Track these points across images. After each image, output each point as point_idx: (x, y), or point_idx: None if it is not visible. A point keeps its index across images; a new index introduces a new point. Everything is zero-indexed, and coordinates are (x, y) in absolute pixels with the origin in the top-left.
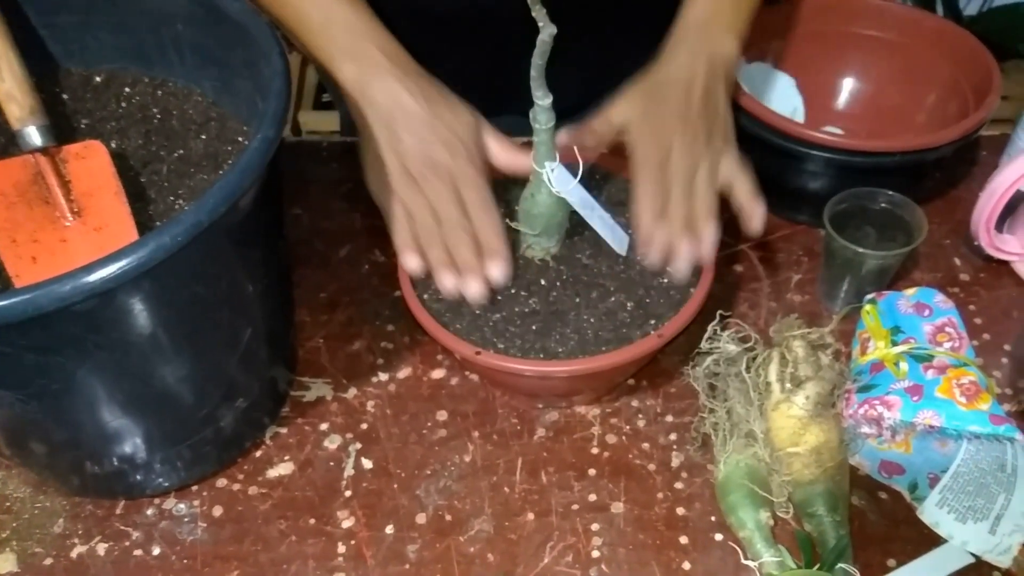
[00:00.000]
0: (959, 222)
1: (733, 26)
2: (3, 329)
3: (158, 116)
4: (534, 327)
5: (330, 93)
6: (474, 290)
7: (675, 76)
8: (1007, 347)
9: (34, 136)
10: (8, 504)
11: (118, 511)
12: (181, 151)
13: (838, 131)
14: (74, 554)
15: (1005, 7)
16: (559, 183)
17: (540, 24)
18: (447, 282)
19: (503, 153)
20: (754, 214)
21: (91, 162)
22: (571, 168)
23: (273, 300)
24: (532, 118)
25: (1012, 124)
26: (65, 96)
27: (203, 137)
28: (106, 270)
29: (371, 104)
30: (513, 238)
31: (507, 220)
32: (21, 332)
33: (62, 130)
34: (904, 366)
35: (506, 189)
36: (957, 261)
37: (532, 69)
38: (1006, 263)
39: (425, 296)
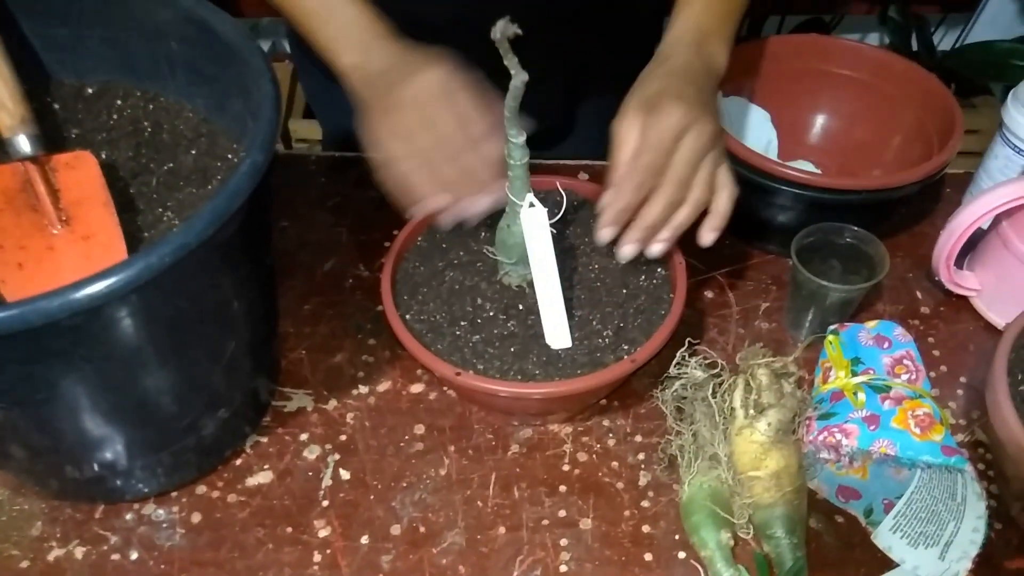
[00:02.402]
0: (922, 257)
1: (724, 38)
2: None
3: (149, 129)
4: (512, 349)
5: (314, 108)
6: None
7: (683, 69)
8: (963, 379)
9: (24, 145)
10: None
11: (97, 515)
12: (171, 164)
13: (810, 165)
14: (51, 557)
15: (978, 44)
16: (529, 224)
17: (512, 72)
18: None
19: None
20: (708, 235)
21: (80, 172)
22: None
23: (258, 313)
24: (507, 154)
25: (980, 157)
26: (56, 106)
27: (193, 152)
28: (94, 287)
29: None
30: (492, 263)
31: (486, 247)
32: (7, 344)
33: (52, 140)
34: (862, 396)
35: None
36: (919, 295)
37: (505, 110)
38: (965, 298)
39: (407, 316)
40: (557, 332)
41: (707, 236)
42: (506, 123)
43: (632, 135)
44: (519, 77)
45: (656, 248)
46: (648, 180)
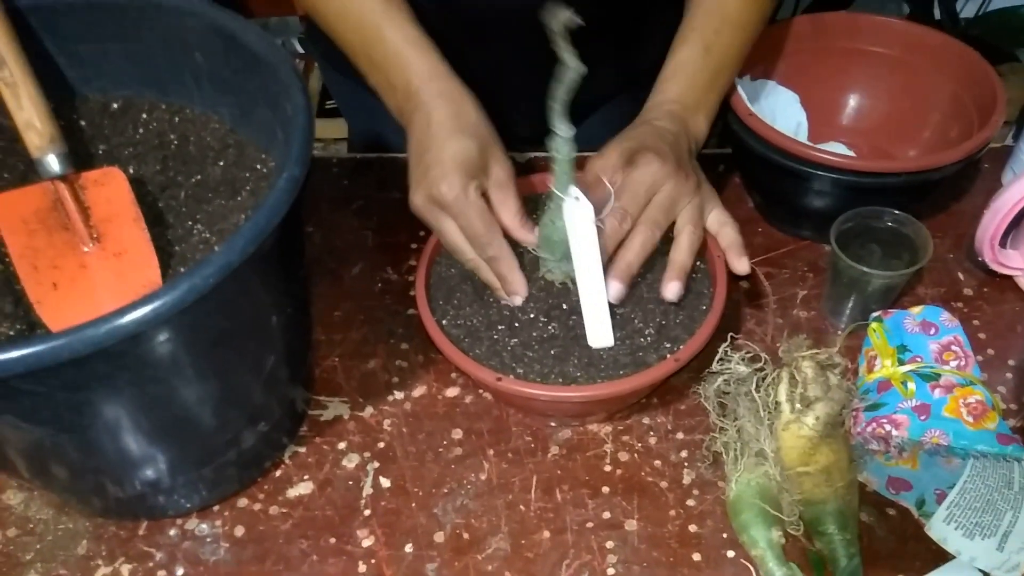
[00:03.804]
0: (962, 235)
1: (707, 109)
2: (39, 371)
3: (175, 142)
4: (553, 352)
5: (341, 109)
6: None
7: (661, 131)
8: (1011, 362)
9: (53, 164)
10: (31, 526)
11: (141, 532)
12: (199, 176)
13: (842, 147)
14: (99, 575)
15: (1002, 10)
16: (573, 218)
17: (570, 64)
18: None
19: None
20: (739, 262)
21: (109, 188)
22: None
23: (295, 325)
24: (553, 148)
25: (1009, 126)
26: (82, 122)
27: (221, 163)
28: (139, 312)
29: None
30: (533, 260)
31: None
32: (54, 373)
33: (80, 156)
34: (912, 385)
35: (532, 209)
36: (961, 276)
37: (555, 102)
38: (1010, 278)
39: (444, 321)
40: (599, 331)
41: (739, 264)
42: (554, 116)
43: (606, 182)
44: (576, 70)
45: (671, 289)
46: (620, 223)
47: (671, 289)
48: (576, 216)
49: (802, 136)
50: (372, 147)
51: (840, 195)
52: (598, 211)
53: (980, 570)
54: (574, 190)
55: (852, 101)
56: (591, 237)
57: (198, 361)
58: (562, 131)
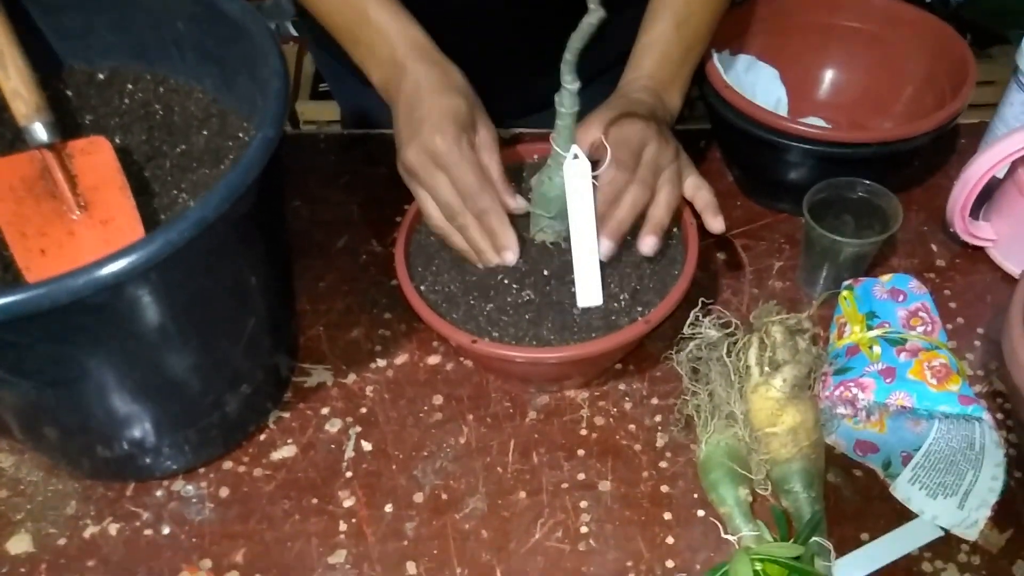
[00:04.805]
0: (937, 209)
1: (679, 81)
2: (20, 321)
3: (160, 112)
4: (527, 316)
5: (331, 88)
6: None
7: (639, 101)
8: (980, 330)
9: (40, 132)
10: (22, 487)
11: (128, 493)
12: (183, 146)
13: (820, 121)
14: (87, 534)
15: None
16: (572, 174)
17: (591, 6)
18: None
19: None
20: (715, 221)
21: (96, 157)
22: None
23: (275, 290)
24: (558, 101)
25: (995, 108)
26: (69, 93)
27: (204, 133)
28: (116, 264)
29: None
30: (522, 219)
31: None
32: (37, 323)
33: (67, 126)
34: (877, 349)
35: (521, 170)
36: (934, 247)
37: (567, 52)
38: (981, 249)
39: (422, 287)
40: (589, 289)
41: (715, 223)
42: (563, 66)
43: (596, 137)
44: (595, 14)
45: (648, 243)
46: (617, 171)
47: (647, 243)
48: (574, 172)
49: (782, 111)
50: (362, 127)
51: (816, 166)
52: (595, 169)
53: (941, 527)
54: (574, 148)
55: (830, 76)
56: (587, 194)
57: (177, 319)
58: (569, 83)
